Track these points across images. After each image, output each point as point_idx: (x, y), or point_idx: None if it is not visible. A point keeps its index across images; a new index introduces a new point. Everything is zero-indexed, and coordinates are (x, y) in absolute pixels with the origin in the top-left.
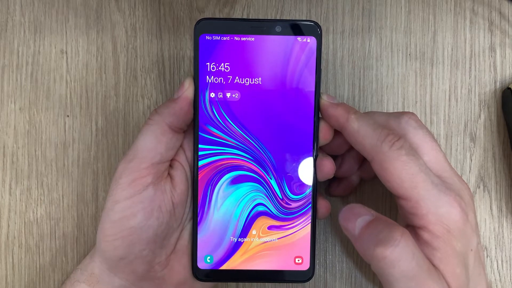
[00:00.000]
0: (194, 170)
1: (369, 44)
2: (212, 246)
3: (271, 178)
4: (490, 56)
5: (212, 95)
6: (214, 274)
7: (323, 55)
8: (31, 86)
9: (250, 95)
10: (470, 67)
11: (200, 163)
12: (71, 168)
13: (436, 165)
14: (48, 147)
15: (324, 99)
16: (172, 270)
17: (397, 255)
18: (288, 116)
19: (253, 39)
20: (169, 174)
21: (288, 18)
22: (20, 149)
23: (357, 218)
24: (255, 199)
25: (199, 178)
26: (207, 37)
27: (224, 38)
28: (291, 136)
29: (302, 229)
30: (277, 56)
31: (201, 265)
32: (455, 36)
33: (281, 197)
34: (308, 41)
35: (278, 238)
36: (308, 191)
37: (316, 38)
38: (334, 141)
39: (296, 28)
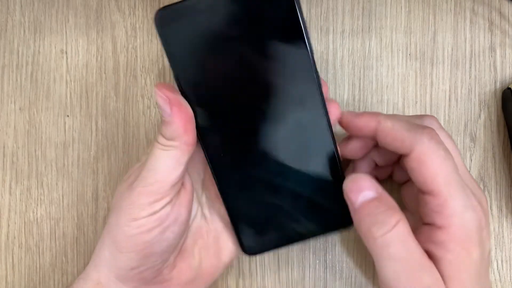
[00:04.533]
0: (209, 163)
1: (369, 44)
2: (251, 222)
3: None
4: (490, 56)
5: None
6: (262, 245)
7: (323, 55)
8: (31, 86)
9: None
10: (470, 67)
11: (212, 156)
12: (71, 168)
13: (459, 169)
14: (48, 147)
15: (346, 115)
16: (180, 271)
17: (387, 240)
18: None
19: (219, 12)
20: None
21: None
22: (20, 149)
23: (361, 192)
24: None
25: (215, 169)
26: (173, 27)
27: (191, 22)
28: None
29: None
30: (253, 19)
31: (247, 241)
32: (455, 36)
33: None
34: None
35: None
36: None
37: None
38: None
39: None
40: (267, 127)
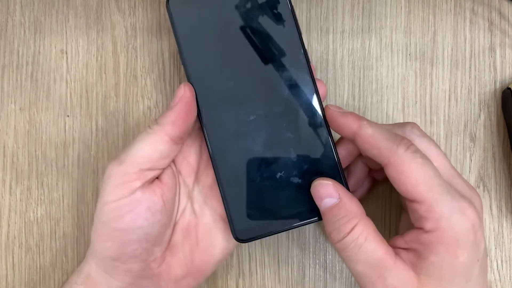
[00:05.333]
0: (205, 137)
1: (369, 44)
2: (246, 208)
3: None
4: (490, 56)
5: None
6: (254, 231)
7: (323, 55)
8: (31, 86)
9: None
10: (470, 67)
11: (212, 140)
12: (71, 168)
13: (445, 171)
14: (48, 147)
15: (332, 109)
16: (169, 267)
17: (343, 245)
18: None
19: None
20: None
21: None
22: (20, 149)
23: (322, 200)
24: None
25: (213, 151)
26: (184, 8)
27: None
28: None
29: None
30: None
31: (239, 227)
32: (455, 36)
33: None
34: None
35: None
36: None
37: None
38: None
39: None
40: (269, 116)
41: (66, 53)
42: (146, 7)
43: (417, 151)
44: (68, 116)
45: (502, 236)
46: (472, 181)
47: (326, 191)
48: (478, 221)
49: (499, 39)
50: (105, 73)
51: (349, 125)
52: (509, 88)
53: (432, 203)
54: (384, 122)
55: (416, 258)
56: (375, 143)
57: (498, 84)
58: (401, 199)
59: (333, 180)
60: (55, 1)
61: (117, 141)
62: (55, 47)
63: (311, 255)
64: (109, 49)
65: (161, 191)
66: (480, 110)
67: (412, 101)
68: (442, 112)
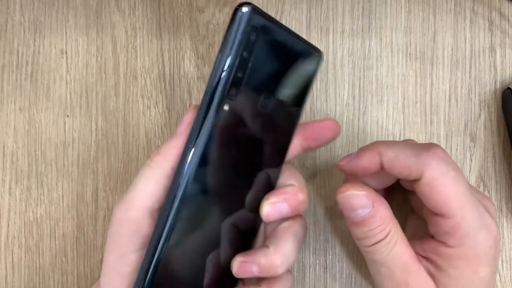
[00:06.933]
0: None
1: (369, 44)
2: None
3: None
4: (490, 56)
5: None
6: None
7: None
8: (31, 86)
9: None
10: (470, 67)
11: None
12: (71, 168)
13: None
14: (48, 147)
15: (343, 164)
16: None
17: (373, 249)
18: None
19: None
20: None
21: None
22: (20, 149)
23: (354, 211)
24: None
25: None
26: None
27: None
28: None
29: None
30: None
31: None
32: (455, 36)
33: None
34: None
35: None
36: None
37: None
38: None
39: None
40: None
41: (66, 53)
42: (146, 7)
43: (450, 161)
44: (68, 116)
45: (502, 236)
46: (472, 181)
47: (359, 203)
48: (498, 234)
49: (499, 39)
50: (105, 73)
51: (370, 161)
52: (509, 88)
53: (460, 221)
54: (384, 122)
55: (433, 268)
56: (403, 162)
57: (498, 84)
58: (411, 203)
59: (366, 188)
60: (55, 1)
61: (117, 141)
62: (55, 47)
63: (311, 255)
64: (109, 49)
65: None
66: (480, 110)
67: (412, 101)
68: (442, 112)
